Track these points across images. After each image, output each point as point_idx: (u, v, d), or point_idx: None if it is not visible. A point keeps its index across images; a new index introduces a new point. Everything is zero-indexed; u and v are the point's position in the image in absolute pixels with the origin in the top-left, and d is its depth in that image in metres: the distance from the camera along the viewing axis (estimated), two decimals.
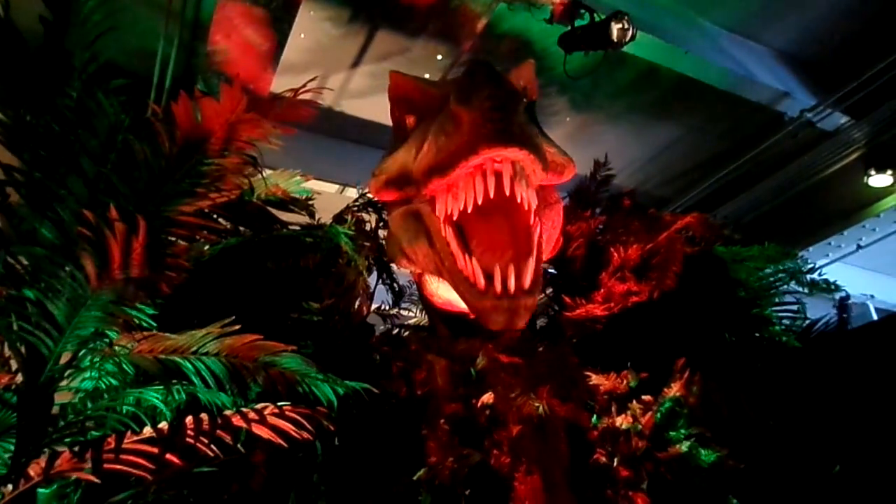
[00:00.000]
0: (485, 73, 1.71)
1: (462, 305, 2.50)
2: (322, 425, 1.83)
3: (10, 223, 1.81)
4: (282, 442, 1.73)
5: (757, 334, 2.56)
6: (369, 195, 3.11)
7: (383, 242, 3.11)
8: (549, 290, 3.02)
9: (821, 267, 2.87)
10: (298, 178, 2.84)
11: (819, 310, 2.84)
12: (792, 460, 2.12)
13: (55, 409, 1.77)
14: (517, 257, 1.91)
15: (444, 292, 2.49)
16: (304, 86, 2.07)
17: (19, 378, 1.75)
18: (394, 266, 3.32)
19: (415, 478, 2.08)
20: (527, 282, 1.88)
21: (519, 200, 1.80)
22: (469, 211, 1.87)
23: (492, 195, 1.77)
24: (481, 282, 1.91)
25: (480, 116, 1.65)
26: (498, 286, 1.87)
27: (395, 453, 2.17)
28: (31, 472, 1.59)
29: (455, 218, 1.93)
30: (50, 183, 1.75)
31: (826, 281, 2.81)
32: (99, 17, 1.89)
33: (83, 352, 1.77)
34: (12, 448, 1.66)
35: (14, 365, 1.77)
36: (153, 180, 1.75)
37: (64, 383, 1.78)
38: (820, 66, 5.63)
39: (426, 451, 2.13)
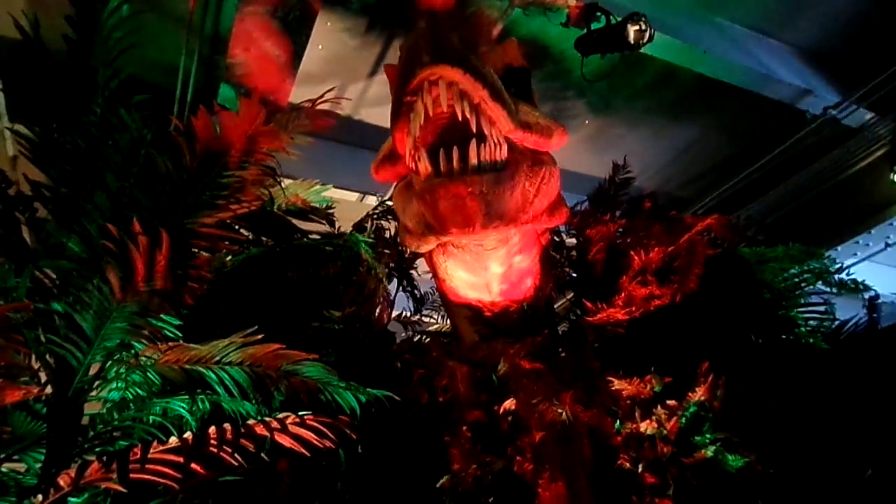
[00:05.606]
0: (425, 19, 1.88)
1: (474, 294, 2.53)
2: (345, 433, 1.84)
3: (38, 238, 1.85)
4: (304, 451, 1.74)
5: (783, 336, 2.52)
6: (388, 203, 3.12)
7: (402, 249, 3.13)
8: (570, 295, 3.01)
9: (849, 266, 2.81)
10: (318, 187, 2.86)
11: (848, 310, 2.78)
12: (822, 465, 2.08)
13: (84, 420, 1.80)
14: (462, 139, 1.89)
15: (452, 270, 2.49)
16: (322, 96, 2.09)
17: (48, 390, 1.78)
18: (414, 273, 3.33)
19: (438, 485, 2.08)
20: (473, 158, 1.86)
21: (461, 118, 1.84)
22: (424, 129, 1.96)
23: (431, 113, 1.85)
24: (426, 166, 1.93)
25: (415, 44, 1.79)
26: (443, 165, 1.87)
27: (417, 460, 2.17)
28: (62, 482, 1.61)
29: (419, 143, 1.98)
30: (76, 198, 1.78)
31: (854, 280, 2.76)
32: (121, 34, 1.93)
33: (110, 363, 1.80)
34: (42, 458, 1.69)
35: (43, 377, 1.80)
36: (175, 193, 1.78)
37: (92, 394, 1.81)
38: (843, 63, 5.53)
39: (449, 458, 2.13)
